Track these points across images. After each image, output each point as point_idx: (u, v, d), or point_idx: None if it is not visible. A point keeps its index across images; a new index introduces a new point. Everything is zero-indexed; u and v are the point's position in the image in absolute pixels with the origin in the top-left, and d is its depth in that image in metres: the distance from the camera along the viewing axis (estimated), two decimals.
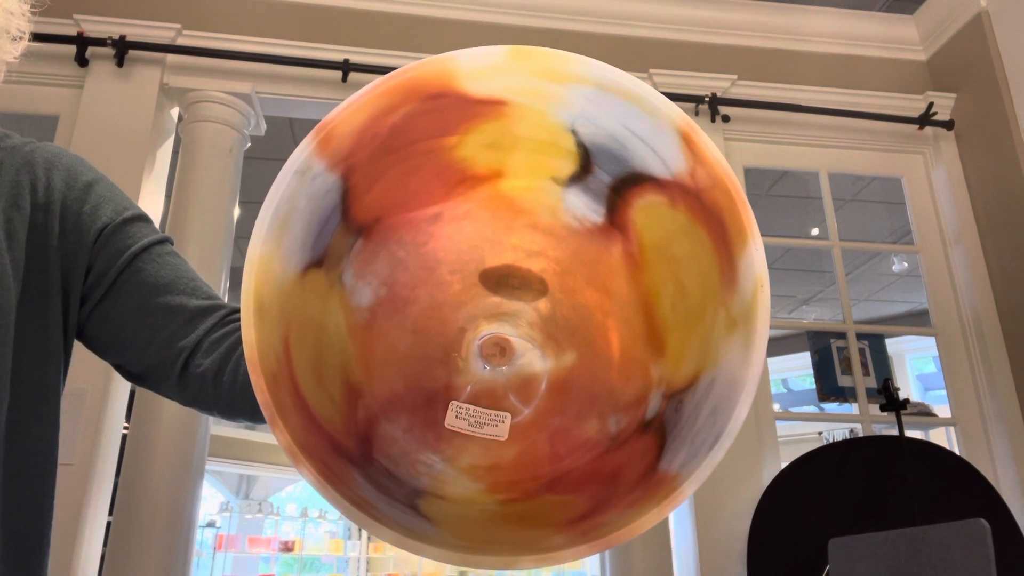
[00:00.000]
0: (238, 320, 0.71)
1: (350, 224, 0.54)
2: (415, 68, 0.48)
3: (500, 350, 0.54)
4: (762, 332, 0.43)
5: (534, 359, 0.55)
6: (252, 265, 0.46)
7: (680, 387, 0.48)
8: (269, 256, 0.47)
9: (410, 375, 0.54)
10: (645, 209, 0.52)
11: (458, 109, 0.50)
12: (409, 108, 0.49)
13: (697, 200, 0.47)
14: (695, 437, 0.44)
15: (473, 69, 0.48)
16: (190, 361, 0.68)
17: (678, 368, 0.49)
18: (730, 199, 0.45)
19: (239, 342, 0.68)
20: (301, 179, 0.48)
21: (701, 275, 0.48)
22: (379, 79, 0.48)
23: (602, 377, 0.53)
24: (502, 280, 0.56)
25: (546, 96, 0.49)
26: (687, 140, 0.47)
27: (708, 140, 0.47)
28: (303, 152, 0.48)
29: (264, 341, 0.45)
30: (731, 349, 0.44)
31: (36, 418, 0.67)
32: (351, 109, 0.48)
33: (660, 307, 0.52)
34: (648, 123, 0.48)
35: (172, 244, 0.76)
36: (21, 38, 0.70)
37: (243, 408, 0.68)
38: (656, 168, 0.49)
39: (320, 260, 0.52)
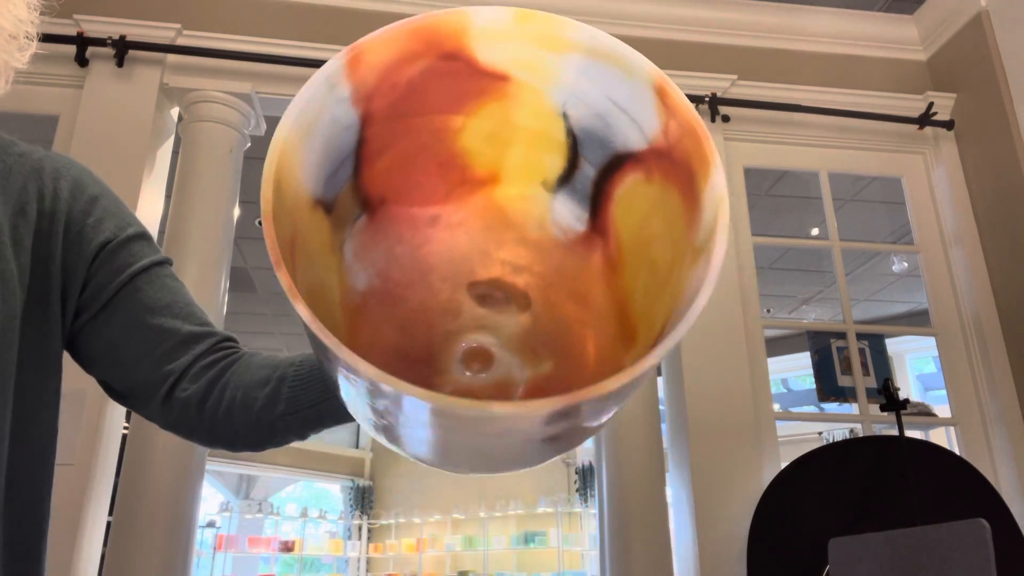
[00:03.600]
0: (229, 348, 0.73)
1: (359, 189, 0.54)
2: (434, 14, 0.49)
3: (481, 359, 0.56)
4: (722, 244, 0.43)
5: (513, 367, 0.56)
6: (278, 142, 0.45)
7: (653, 344, 0.49)
8: (295, 144, 0.46)
9: (391, 368, 0.55)
10: (624, 198, 0.53)
11: (467, 80, 0.51)
12: (426, 64, 0.50)
13: (669, 159, 0.48)
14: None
15: (485, 28, 0.49)
16: (177, 385, 0.69)
17: (649, 337, 0.50)
18: (696, 140, 0.46)
19: (227, 369, 0.70)
20: (329, 92, 0.48)
21: (672, 242, 0.49)
22: (402, 20, 0.49)
23: (577, 380, 0.55)
24: (488, 293, 0.58)
25: (543, 70, 0.50)
26: (661, 94, 0.47)
27: (678, 89, 0.48)
28: (333, 64, 0.48)
29: (278, 218, 0.44)
30: (695, 275, 0.44)
31: (37, 424, 0.68)
32: (379, 39, 0.49)
33: (634, 305, 0.53)
34: (628, 87, 0.49)
35: (172, 265, 0.77)
36: (29, 45, 0.71)
37: (224, 436, 0.69)
38: (635, 140, 0.50)
39: (329, 206, 0.52)
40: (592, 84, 0.50)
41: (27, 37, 0.70)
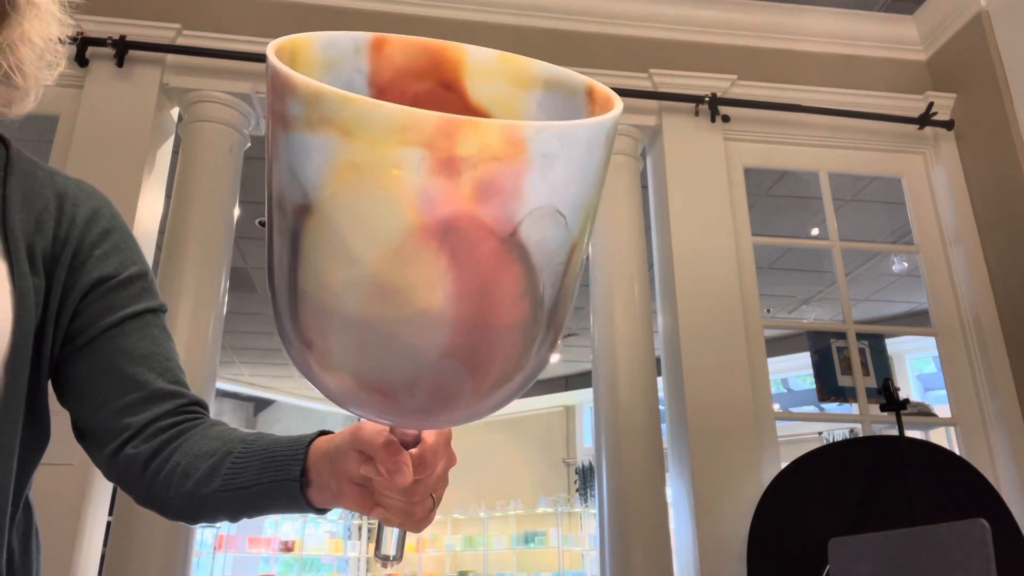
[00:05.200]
0: (193, 413, 0.73)
1: None
2: (440, 41, 0.52)
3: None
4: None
5: None
6: (302, 36, 0.46)
7: None
8: (314, 59, 0.47)
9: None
10: None
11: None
12: (429, 85, 0.52)
13: None
14: None
15: (476, 65, 0.52)
16: (129, 442, 0.69)
17: None
18: (609, 103, 0.47)
19: (181, 434, 0.70)
20: (354, 53, 0.49)
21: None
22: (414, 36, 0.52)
23: None
24: None
25: (514, 108, 0.53)
26: (590, 94, 0.49)
27: (600, 84, 0.50)
28: (360, 33, 0.50)
29: None
30: None
31: (35, 442, 0.70)
32: (397, 38, 0.51)
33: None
34: (571, 105, 0.51)
35: (165, 312, 0.77)
36: (59, 64, 0.73)
37: (158, 500, 0.70)
38: None
39: None
40: (546, 115, 0.53)
41: (56, 54, 0.72)
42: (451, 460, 0.56)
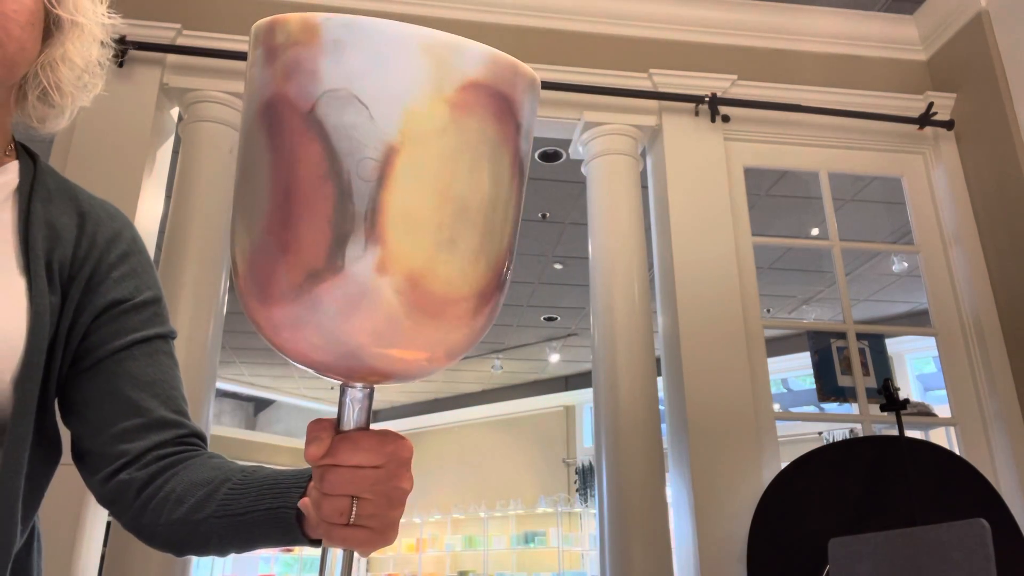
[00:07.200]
0: (192, 444, 0.72)
1: None
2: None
3: None
4: None
5: None
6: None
7: None
8: None
9: None
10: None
11: None
12: None
13: None
14: None
15: None
16: (124, 468, 0.69)
17: None
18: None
19: (178, 463, 0.69)
20: None
21: None
22: None
23: None
24: None
25: None
26: None
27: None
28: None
29: None
30: None
31: (45, 460, 0.69)
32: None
33: None
34: None
35: (174, 338, 0.77)
36: (96, 86, 0.74)
37: (147, 527, 0.68)
38: None
39: None
40: None
41: (94, 76, 0.73)
42: (397, 475, 0.49)
